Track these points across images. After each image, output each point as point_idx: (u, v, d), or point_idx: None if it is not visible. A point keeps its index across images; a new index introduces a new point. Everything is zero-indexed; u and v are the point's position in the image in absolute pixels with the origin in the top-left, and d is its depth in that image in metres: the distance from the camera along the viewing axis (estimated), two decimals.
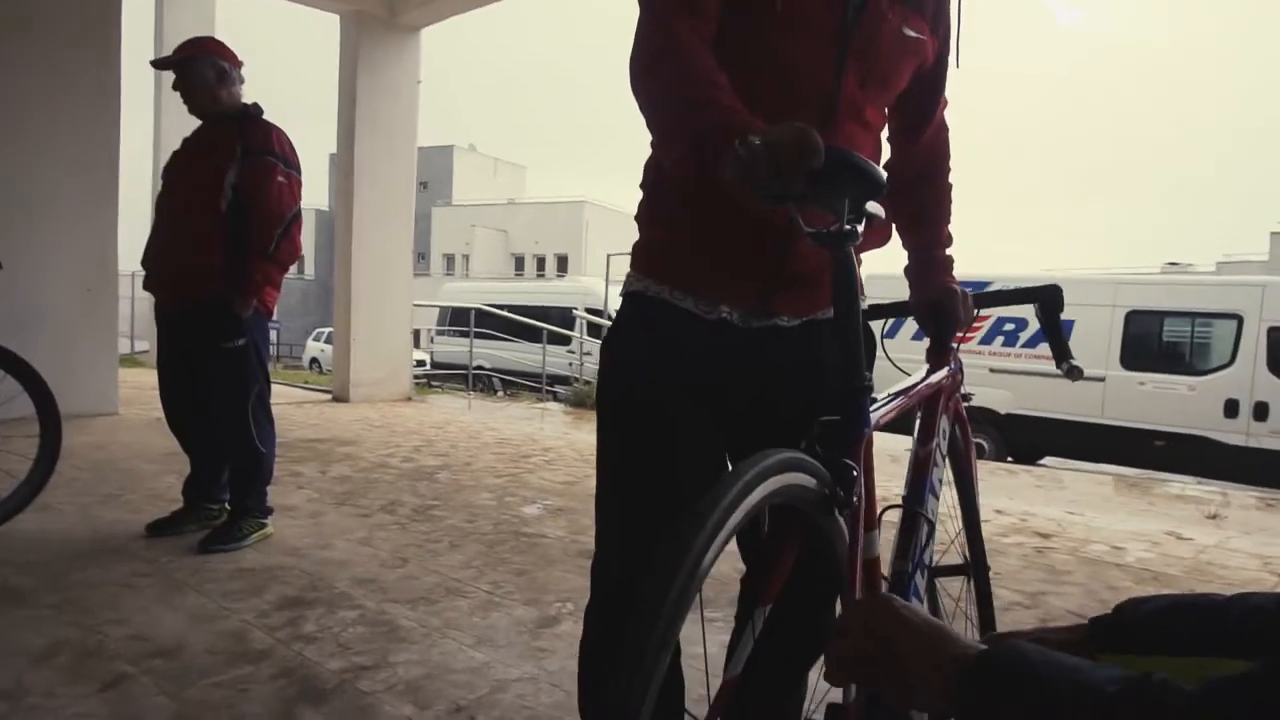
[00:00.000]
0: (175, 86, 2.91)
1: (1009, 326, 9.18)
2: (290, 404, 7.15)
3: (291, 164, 2.90)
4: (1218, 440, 8.12)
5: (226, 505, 3.07)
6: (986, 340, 9.37)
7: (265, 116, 3.00)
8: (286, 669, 2.02)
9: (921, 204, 1.44)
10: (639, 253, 1.23)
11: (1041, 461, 9.11)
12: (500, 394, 13.81)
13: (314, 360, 22.47)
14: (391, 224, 7.47)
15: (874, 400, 1.19)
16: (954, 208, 1.51)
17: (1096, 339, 8.80)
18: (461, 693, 1.93)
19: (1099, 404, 8.82)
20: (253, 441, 2.92)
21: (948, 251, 1.50)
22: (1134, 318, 8.86)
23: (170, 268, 2.91)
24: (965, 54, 1.33)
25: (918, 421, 1.45)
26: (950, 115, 1.43)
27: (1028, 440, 9.30)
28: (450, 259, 36.83)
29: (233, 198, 2.83)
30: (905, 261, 1.53)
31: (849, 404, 1.00)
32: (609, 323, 2.18)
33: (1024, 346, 9.09)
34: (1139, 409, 8.60)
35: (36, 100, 5.44)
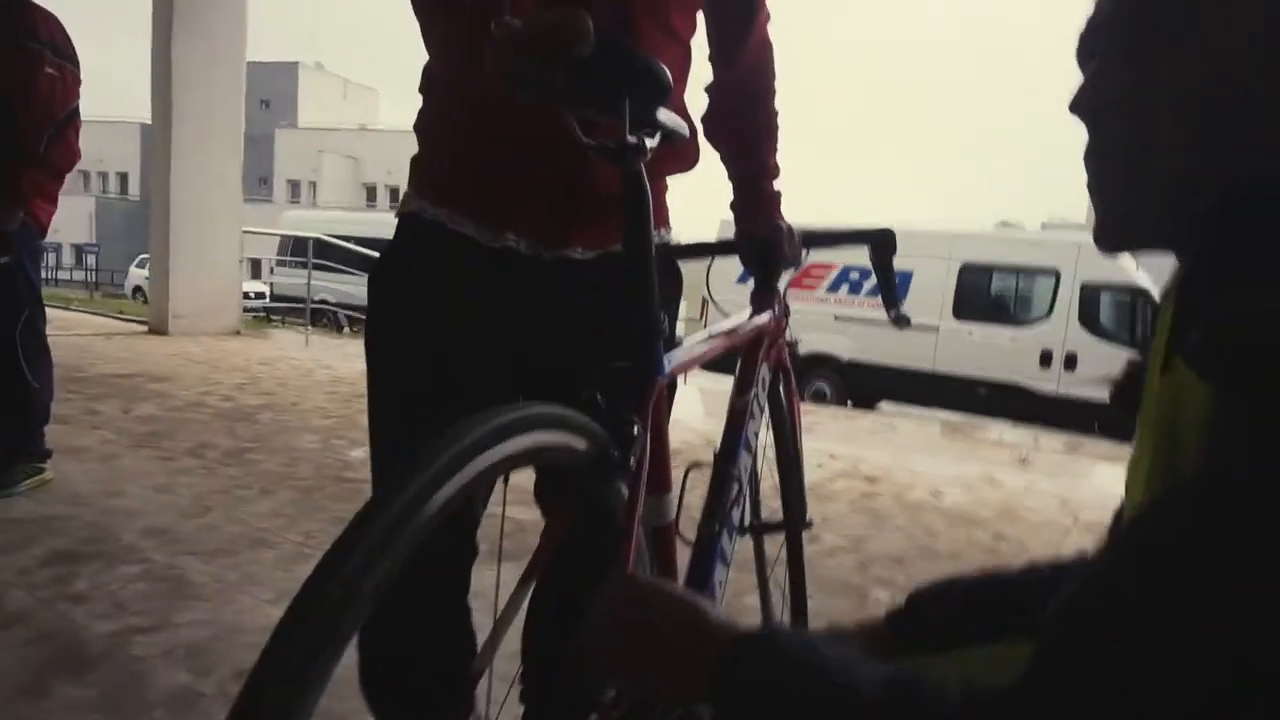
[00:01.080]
0: None
1: (854, 275, 9.51)
2: (99, 335, 6.51)
3: (64, 53, 2.50)
4: (1032, 388, 8.75)
5: None
6: (833, 289, 9.69)
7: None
8: (45, 633, 1.79)
9: (745, 131, 1.33)
10: (415, 168, 1.07)
11: (879, 407, 9.59)
12: (346, 330, 13.18)
13: (137, 289, 20.62)
14: (216, 139, 6.81)
15: (674, 345, 1.11)
16: (788, 145, 1.43)
17: (932, 290, 9.26)
18: (249, 656, 1.74)
19: (932, 353, 9.33)
20: (22, 375, 2.56)
21: (775, 185, 1.39)
22: (966, 271, 9.36)
23: None
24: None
25: (737, 370, 1.39)
26: (780, 36, 1.33)
27: (868, 386, 9.74)
28: (295, 185, 34.61)
29: None
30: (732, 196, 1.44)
31: (638, 349, 0.90)
32: None
33: (867, 295, 9.45)
34: (967, 358, 9.16)
35: None
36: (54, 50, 2.47)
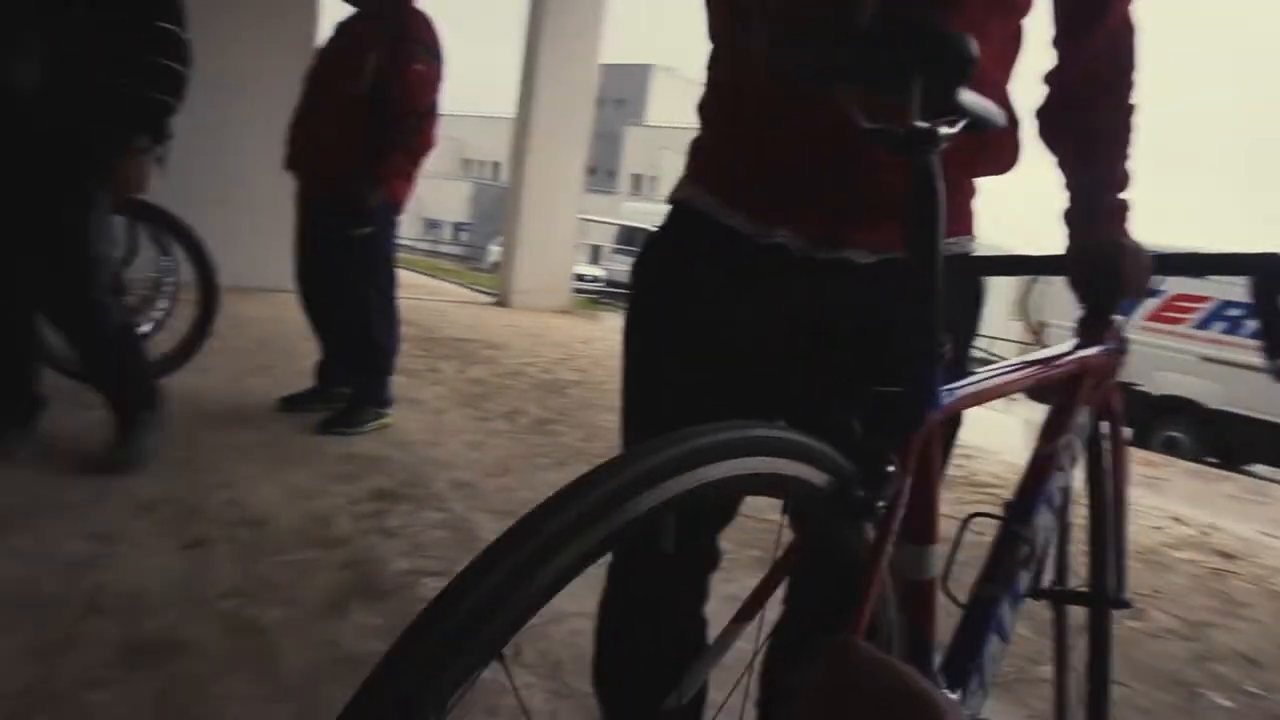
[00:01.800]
0: None
1: (1233, 312, 8.04)
2: (453, 302, 7.41)
3: (434, 53, 2.82)
4: None
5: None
6: (1202, 325, 8.27)
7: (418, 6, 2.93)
8: (355, 560, 2.03)
9: (1088, 129, 1.10)
10: (691, 152, 1.01)
11: (1250, 468, 8.05)
12: None
13: (495, 264, 23.39)
14: (565, 133, 7.43)
15: (966, 372, 0.94)
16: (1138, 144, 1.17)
17: None
18: None
19: None
20: (370, 331, 2.95)
21: (1121, 196, 1.14)
22: None
23: (306, 150, 2.94)
24: None
25: (1048, 411, 1.17)
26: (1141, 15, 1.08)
27: (1237, 442, 8.22)
28: (638, 179, 37.03)
29: (373, 83, 2.79)
30: (1064, 205, 1.21)
31: (909, 373, 0.77)
32: None
33: (1245, 337, 7.93)
34: None
35: None
36: (425, 49, 2.80)
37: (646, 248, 1.02)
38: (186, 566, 1.87)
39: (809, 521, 0.76)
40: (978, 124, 0.75)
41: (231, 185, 5.82)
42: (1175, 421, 8.52)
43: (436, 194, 42.61)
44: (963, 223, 1.00)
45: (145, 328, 3.53)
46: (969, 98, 0.71)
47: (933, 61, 0.67)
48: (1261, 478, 6.70)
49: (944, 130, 0.71)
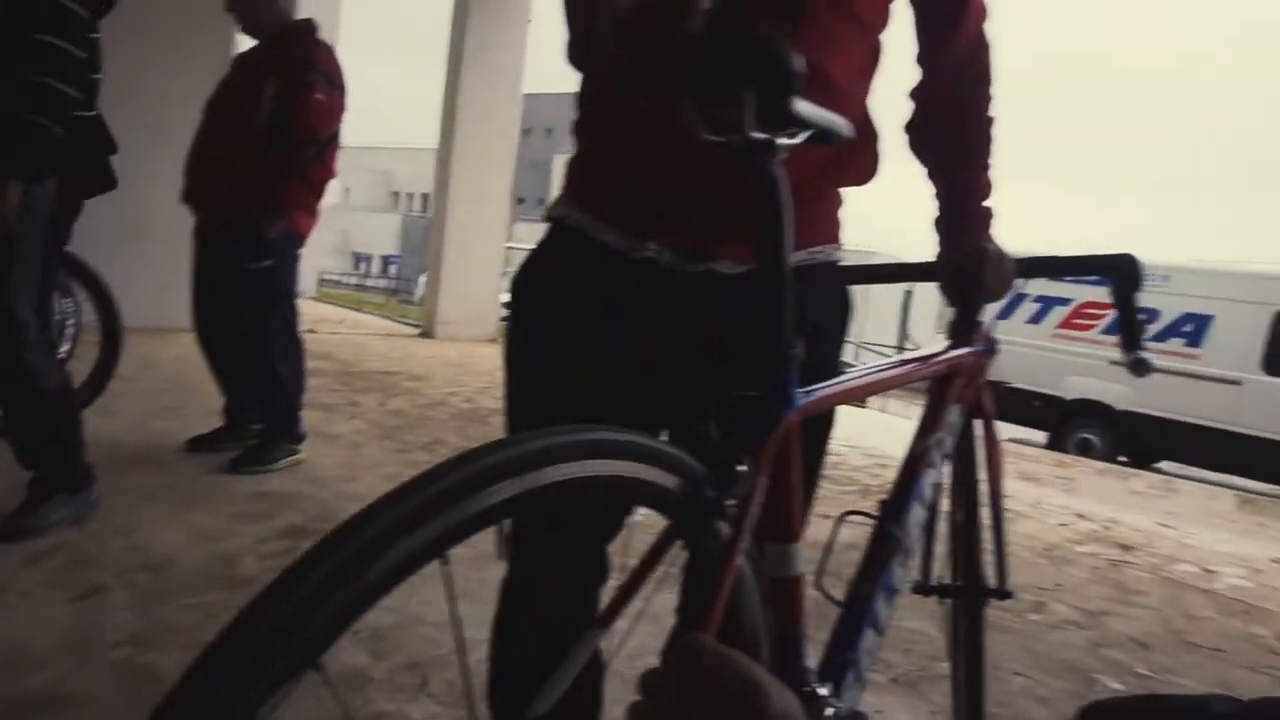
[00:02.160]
0: (224, 7, 2.86)
1: (1138, 318, 8.42)
2: (377, 335, 7.31)
3: (334, 82, 2.81)
4: None
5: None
6: (1110, 330, 8.64)
7: (320, 36, 2.92)
8: None
9: (951, 140, 1.16)
10: (567, 170, 1.03)
11: (1158, 466, 8.41)
12: None
13: (424, 297, 23.16)
14: (490, 163, 7.43)
15: (836, 375, 0.98)
16: (997, 154, 1.23)
17: (1237, 338, 7.99)
18: (424, 648, 1.83)
19: (1234, 409, 8.04)
20: (271, 364, 2.89)
21: (985, 203, 1.20)
22: None
23: (204, 182, 2.88)
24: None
25: (922, 411, 1.22)
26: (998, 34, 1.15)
27: (1146, 441, 8.59)
28: None
29: (271, 113, 2.76)
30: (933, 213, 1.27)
31: (764, 377, 0.80)
32: None
33: (1153, 340, 8.32)
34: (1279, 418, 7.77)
35: (150, 22, 5.61)
36: (326, 79, 2.78)
37: (524, 266, 1.04)
38: (78, 616, 1.79)
39: (667, 525, 0.77)
40: (823, 135, 0.78)
41: (140, 220, 5.65)
42: (1088, 424, 8.86)
43: (364, 227, 42.03)
44: (828, 231, 1.04)
45: None
46: (807, 109, 0.74)
47: (760, 73, 0.68)
48: (1168, 474, 7.01)
49: (783, 141, 0.75)
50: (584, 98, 1.01)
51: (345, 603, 0.51)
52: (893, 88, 1.12)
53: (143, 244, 5.67)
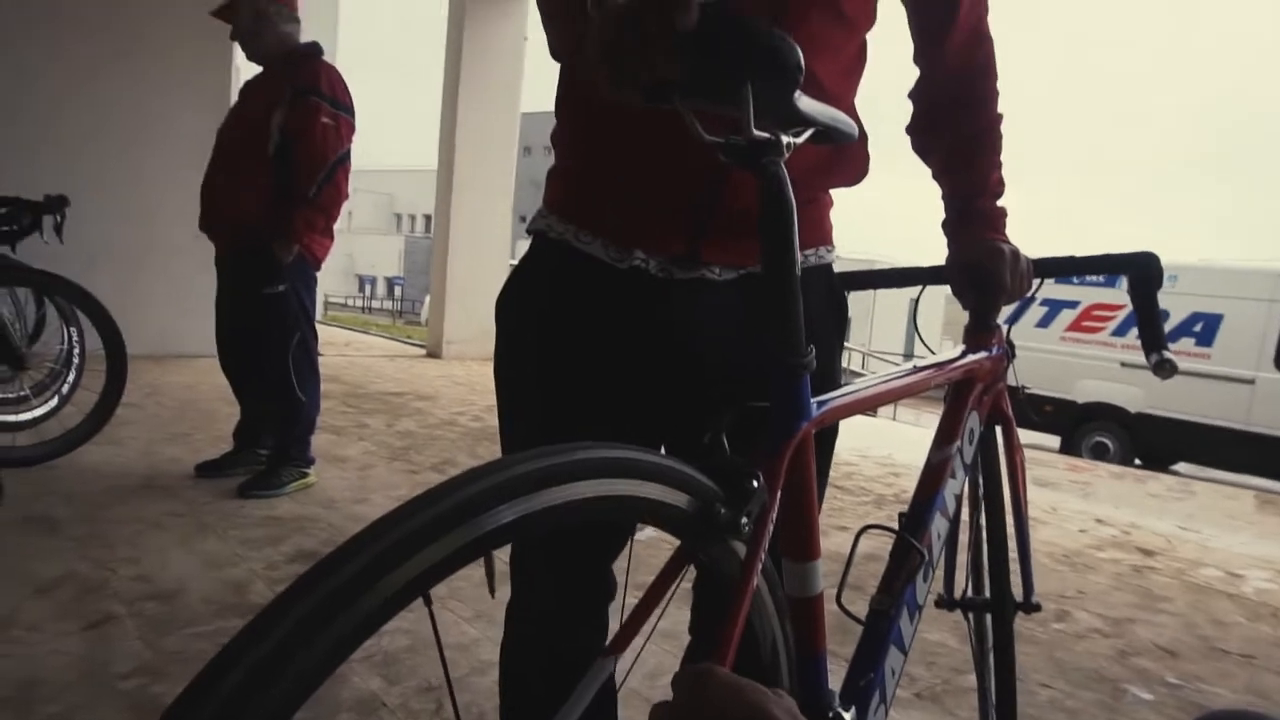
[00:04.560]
0: (231, 36, 2.87)
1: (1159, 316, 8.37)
2: (383, 357, 7.30)
3: (341, 105, 2.81)
4: None
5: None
6: (1120, 332, 8.59)
7: (326, 58, 2.93)
8: None
9: (956, 139, 1.13)
10: (548, 182, 1.01)
11: (1174, 468, 8.33)
12: None
13: (429, 318, 23.26)
14: (490, 182, 7.44)
15: (836, 383, 0.95)
16: (1005, 151, 1.20)
17: (1248, 337, 7.94)
18: (439, 671, 1.80)
19: (1246, 408, 7.97)
20: (292, 389, 2.88)
21: (997, 202, 1.17)
22: None
23: (218, 210, 2.90)
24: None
25: (940, 419, 1.19)
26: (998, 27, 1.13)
27: (1161, 443, 8.52)
28: None
29: (280, 140, 2.77)
30: (943, 215, 1.24)
31: (777, 387, 0.77)
32: None
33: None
34: None
35: (154, 49, 5.65)
36: (332, 102, 2.79)
37: (509, 283, 1.01)
38: (88, 647, 1.77)
39: (680, 545, 0.75)
40: (827, 134, 0.75)
41: (147, 249, 5.69)
42: (1101, 427, 8.80)
43: (369, 250, 42.19)
44: (820, 233, 1.02)
45: (51, 402, 3.41)
46: (810, 105, 0.72)
47: (761, 68, 0.66)
48: (1184, 476, 6.94)
49: (787, 140, 0.72)
50: (563, 105, 0.98)
51: (344, 630, 0.47)
52: (892, 89, 1.10)
53: (148, 271, 5.68)
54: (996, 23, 1.15)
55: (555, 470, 0.58)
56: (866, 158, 1.01)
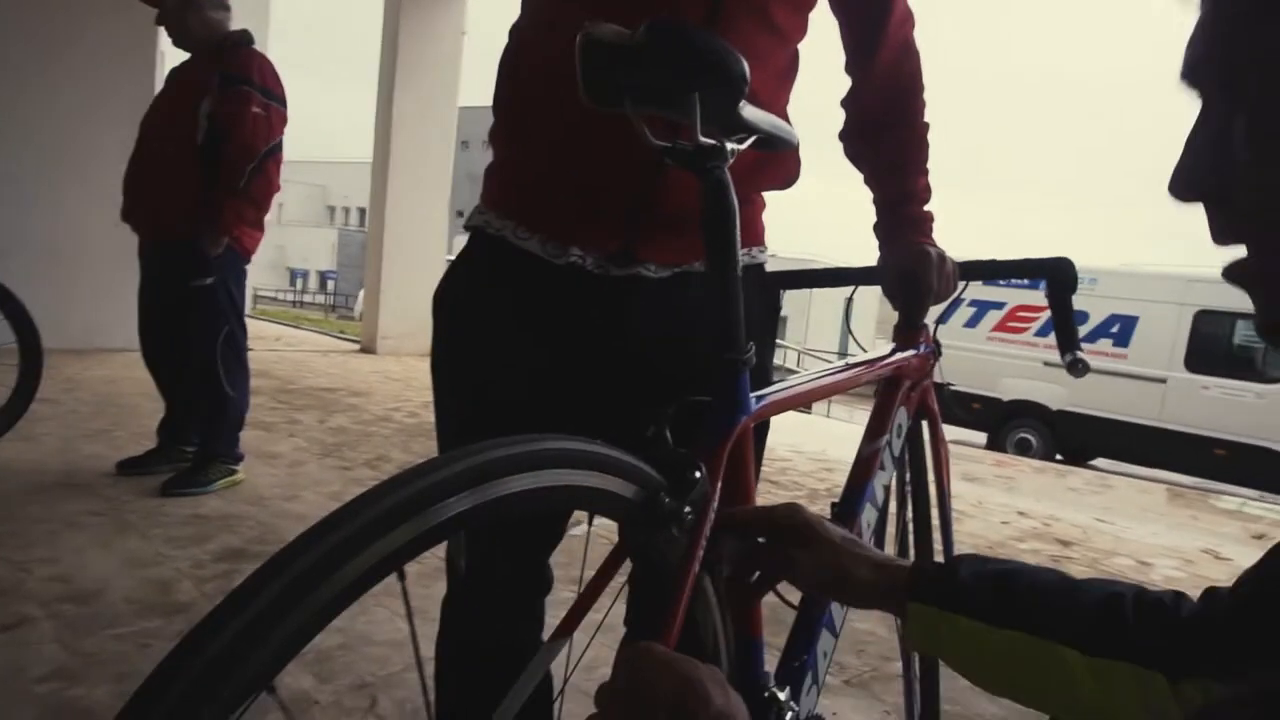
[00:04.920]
0: (156, 20, 2.78)
1: (1074, 318, 8.72)
2: (316, 352, 7.14)
3: (272, 94, 2.74)
4: None
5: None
6: (1043, 333, 8.92)
7: (255, 46, 2.85)
8: None
9: (887, 148, 1.18)
10: (486, 179, 1.01)
11: (1093, 463, 8.69)
12: None
13: (363, 313, 22.83)
14: (427, 176, 7.33)
15: (768, 380, 0.98)
16: (934, 160, 1.25)
17: (1160, 338, 8.33)
18: (372, 668, 1.78)
19: (1158, 406, 8.36)
20: (219, 384, 2.81)
21: (925, 207, 1.23)
22: (1204, 318, 8.32)
23: (143, 200, 2.80)
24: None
25: (870, 414, 1.23)
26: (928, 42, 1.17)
27: (1080, 439, 8.88)
28: None
29: (208, 129, 2.69)
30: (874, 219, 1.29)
31: (718, 382, 0.79)
32: None
33: (1082, 341, 8.59)
34: (1201, 414, 8.12)
35: (73, 34, 5.42)
36: (263, 91, 2.72)
37: (447, 277, 1.01)
38: (1, 651, 1.70)
39: (621, 534, 0.76)
40: (769, 140, 0.78)
41: (64, 240, 5.45)
42: (1025, 424, 9.12)
43: (301, 242, 41.16)
44: (753, 234, 1.04)
45: None
46: (753, 113, 0.74)
47: (706, 75, 0.68)
48: (1102, 470, 7.25)
49: (731, 146, 0.75)
50: (501, 104, 0.99)
51: (300, 621, 0.48)
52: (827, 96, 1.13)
53: (66, 263, 5.45)
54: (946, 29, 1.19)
55: (508, 460, 0.59)
56: (798, 161, 1.04)
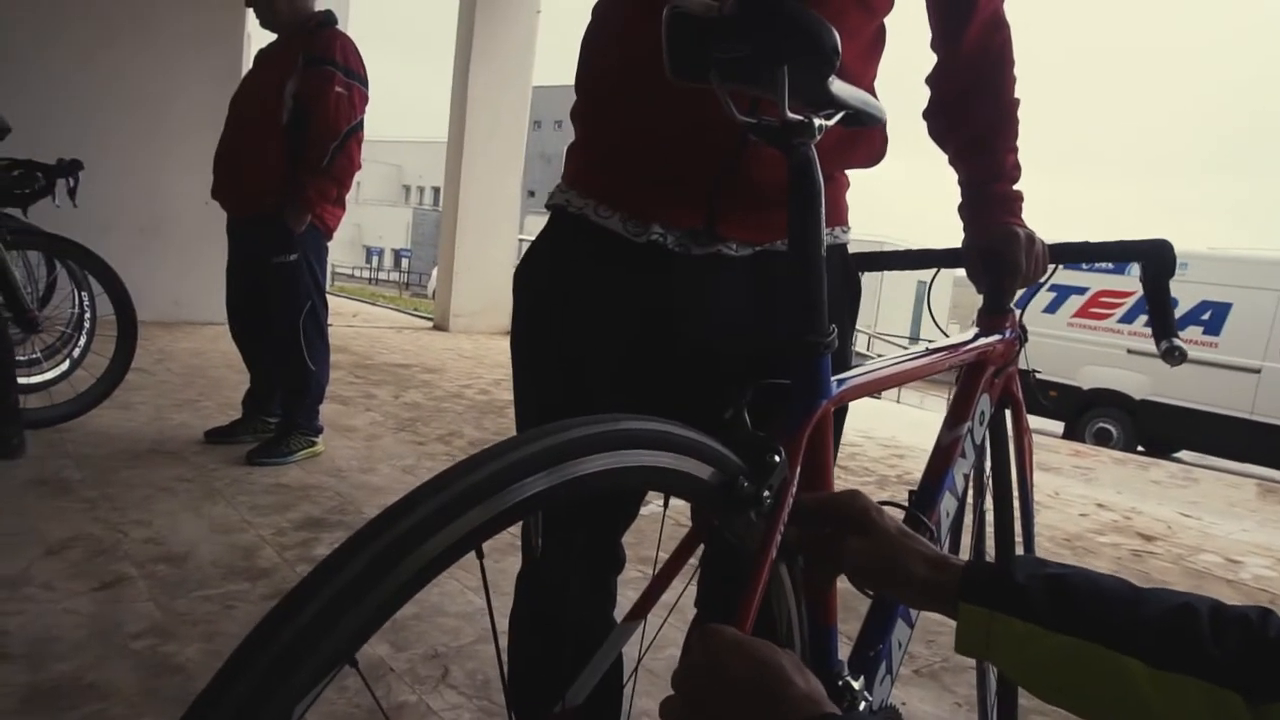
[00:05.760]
0: (245, 2, 2.86)
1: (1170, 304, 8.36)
2: (391, 329, 7.31)
3: (355, 74, 2.80)
4: None
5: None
6: (1127, 319, 8.57)
7: (339, 28, 2.91)
8: (280, 591, 1.96)
9: (973, 125, 1.14)
10: (568, 157, 1.01)
11: (1177, 456, 8.34)
12: None
13: (436, 290, 23.31)
14: (500, 155, 7.41)
15: (848, 363, 0.96)
16: (1023, 135, 1.21)
17: (1256, 326, 7.91)
18: (445, 639, 1.83)
19: (1251, 398, 7.96)
20: (302, 358, 2.90)
21: (1014, 186, 1.18)
22: None
23: (231, 178, 2.90)
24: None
25: (950, 400, 1.20)
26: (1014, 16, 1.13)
27: (1164, 431, 8.52)
28: None
29: (293, 109, 2.77)
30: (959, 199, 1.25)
31: (798, 365, 0.78)
32: None
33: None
34: None
35: (165, 17, 5.61)
36: (345, 71, 2.78)
37: (526, 257, 1.02)
38: (99, 607, 1.80)
39: (698, 516, 0.76)
40: (857, 117, 0.76)
41: (157, 217, 5.68)
42: (1105, 413, 8.80)
43: (376, 221, 42.12)
44: (837, 214, 1.02)
45: (63, 365, 3.43)
46: (842, 88, 0.72)
47: (796, 51, 0.67)
48: (1187, 463, 6.95)
49: (819, 123, 0.73)
50: (582, 83, 0.99)
51: (378, 600, 0.49)
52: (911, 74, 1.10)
53: (158, 239, 5.69)
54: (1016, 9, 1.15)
55: (586, 440, 0.59)
56: (885, 139, 1.01)
